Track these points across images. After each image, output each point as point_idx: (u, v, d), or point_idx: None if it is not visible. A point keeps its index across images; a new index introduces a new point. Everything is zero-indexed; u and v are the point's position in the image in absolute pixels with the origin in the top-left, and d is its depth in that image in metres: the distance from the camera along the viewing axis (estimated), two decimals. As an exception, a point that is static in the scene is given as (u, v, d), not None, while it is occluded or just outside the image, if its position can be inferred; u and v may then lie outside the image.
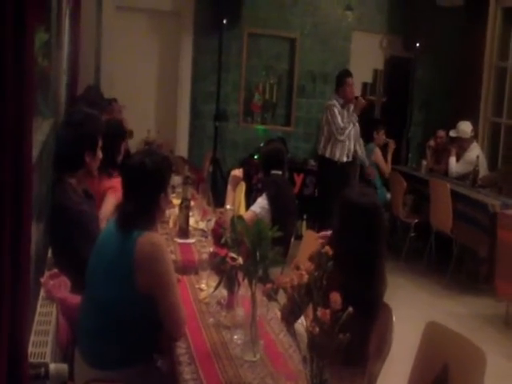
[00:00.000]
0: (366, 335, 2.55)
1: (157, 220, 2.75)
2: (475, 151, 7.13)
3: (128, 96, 7.24)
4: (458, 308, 5.84)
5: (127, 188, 2.70)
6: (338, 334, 1.85)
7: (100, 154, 3.42)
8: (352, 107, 6.74)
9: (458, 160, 7.29)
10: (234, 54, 8.16)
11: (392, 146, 7.88)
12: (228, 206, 4.24)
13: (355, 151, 7.06)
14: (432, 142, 7.82)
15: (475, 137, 7.39)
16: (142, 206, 2.63)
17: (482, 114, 8.01)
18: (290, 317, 2.59)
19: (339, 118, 6.66)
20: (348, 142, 6.78)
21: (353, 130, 6.80)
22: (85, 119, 3.39)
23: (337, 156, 6.75)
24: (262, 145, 7.29)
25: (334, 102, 6.76)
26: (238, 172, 4.63)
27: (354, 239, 2.59)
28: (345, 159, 6.79)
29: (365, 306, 2.36)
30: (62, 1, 3.75)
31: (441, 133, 7.70)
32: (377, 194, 4.87)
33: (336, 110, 6.68)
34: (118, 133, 4.28)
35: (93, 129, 3.37)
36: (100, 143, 3.40)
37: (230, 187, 4.59)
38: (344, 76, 6.85)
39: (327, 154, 6.78)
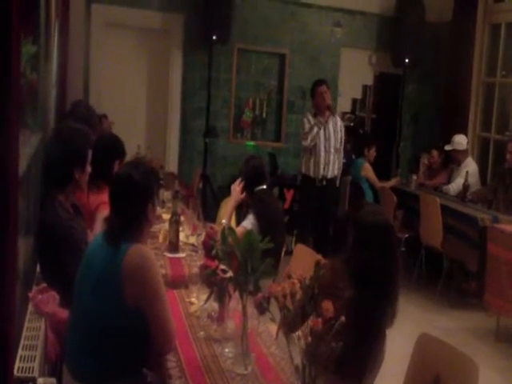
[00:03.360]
0: (364, 349, 2.53)
1: (145, 232, 2.71)
2: (471, 166, 7.14)
3: (118, 112, 7.25)
4: (448, 322, 5.83)
5: (114, 200, 2.68)
6: (331, 342, 1.84)
7: (89, 169, 3.40)
8: (327, 114, 6.47)
9: (452, 174, 7.32)
10: (224, 70, 8.18)
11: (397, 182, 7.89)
12: (223, 221, 4.25)
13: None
14: (426, 160, 7.84)
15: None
16: (130, 217, 2.60)
17: (470, 128, 8.06)
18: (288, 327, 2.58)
19: (306, 126, 6.49)
20: (324, 153, 6.47)
21: (329, 139, 6.47)
22: (73, 135, 3.36)
23: (311, 170, 6.51)
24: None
25: (307, 113, 6.70)
26: (240, 195, 4.63)
27: (369, 258, 2.60)
28: (321, 173, 6.48)
29: (371, 322, 2.38)
30: (50, 14, 3.75)
31: (434, 152, 7.71)
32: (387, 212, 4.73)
33: (305, 120, 6.55)
34: (109, 147, 4.22)
35: (81, 144, 3.34)
36: (89, 158, 3.37)
37: (230, 207, 4.61)
38: (314, 86, 6.65)
39: (303, 170, 6.64)
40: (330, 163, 6.53)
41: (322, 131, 6.46)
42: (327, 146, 6.51)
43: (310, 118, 6.53)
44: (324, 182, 6.53)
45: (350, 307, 2.11)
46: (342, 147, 6.75)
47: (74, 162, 3.27)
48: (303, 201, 6.84)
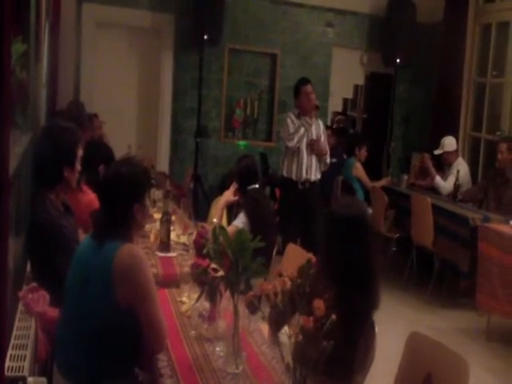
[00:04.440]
0: (352, 347, 2.53)
1: (133, 231, 2.68)
2: (461, 166, 7.16)
3: (108, 112, 7.22)
4: (439, 322, 5.84)
5: (103, 197, 2.67)
6: (322, 341, 1.83)
7: (78, 167, 3.38)
8: (312, 115, 6.25)
9: (443, 175, 7.33)
10: (215, 69, 8.18)
11: (388, 182, 7.90)
12: (214, 220, 4.26)
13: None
14: (417, 162, 7.85)
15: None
16: (116, 215, 2.59)
17: (461, 128, 8.08)
18: (275, 324, 2.56)
19: (291, 126, 6.15)
20: (306, 155, 6.17)
21: (310, 139, 6.18)
22: (61, 133, 3.35)
23: (293, 173, 6.19)
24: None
25: (290, 113, 6.36)
26: (232, 196, 4.64)
27: (342, 251, 2.55)
28: (304, 176, 6.18)
29: (355, 318, 2.36)
30: (41, 13, 3.73)
31: (426, 156, 7.72)
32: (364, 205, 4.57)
33: (288, 120, 6.21)
34: (97, 154, 4.23)
35: (70, 142, 3.32)
36: (79, 156, 3.36)
37: (221, 206, 4.62)
38: (299, 85, 6.33)
39: (285, 173, 6.29)
40: (313, 166, 6.25)
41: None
42: (310, 149, 6.23)
43: (294, 118, 6.22)
44: (307, 185, 6.23)
45: (332, 306, 2.08)
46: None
47: (62, 160, 3.25)
48: (286, 205, 6.41)
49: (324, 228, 2.73)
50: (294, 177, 6.22)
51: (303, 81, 6.39)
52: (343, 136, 8.66)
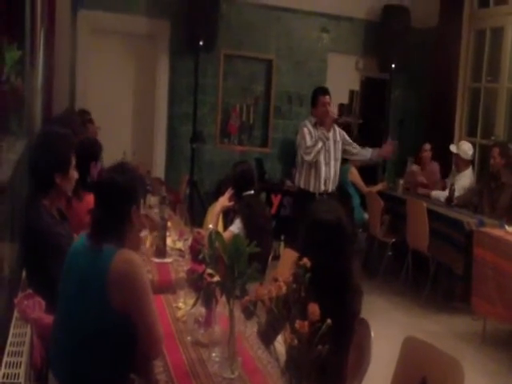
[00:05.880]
0: (342, 353, 2.54)
1: (129, 236, 2.67)
2: (468, 177, 7.15)
3: (104, 118, 7.22)
4: (435, 326, 5.85)
5: (98, 202, 2.67)
6: (317, 346, 1.84)
7: (74, 174, 3.37)
8: (331, 128, 6.04)
9: (449, 177, 7.34)
10: (211, 75, 8.19)
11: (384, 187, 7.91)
12: (210, 226, 4.26)
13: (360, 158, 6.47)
14: (415, 167, 7.86)
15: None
16: (112, 220, 2.59)
17: (456, 133, 8.10)
18: (269, 333, 2.57)
19: (308, 138, 5.95)
20: (324, 166, 6.03)
21: (329, 150, 6.02)
22: (54, 139, 3.34)
23: (311, 185, 6.04)
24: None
25: (306, 121, 6.14)
26: (227, 202, 4.65)
27: (319, 256, 2.52)
28: (322, 188, 6.02)
29: (338, 324, 2.35)
30: (36, 20, 3.74)
31: (427, 146, 7.71)
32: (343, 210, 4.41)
33: (305, 130, 6.01)
34: (89, 153, 4.22)
35: (63, 149, 3.29)
36: (73, 163, 3.35)
37: (216, 212, 4.62)
38: (316, 94, 6.15)
39: (302, 185, 6.11)
40: (331, 177, 6.10)
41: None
42: (327, 159, 6.05)
43: (311, 128, 6.02)
44: (325, 196, 6.03)
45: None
46: (352, 144, 6.36)
47: (54, 166, 3.24)
48: (303, 215, 6.13)
49: (302, 230, 2.74)
50: (311, 189, 6.06)
51: (321, 90, 6.22)
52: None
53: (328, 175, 6.07)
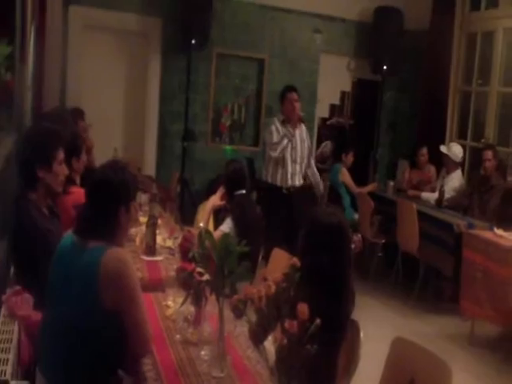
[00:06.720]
0: (333, 354, 2.54)
1: (116, 234, 2.66)
2: (457, 179, 7.18)
3: (95, 115, 7.19)
4: (424, 327, 5.87)
5: (89, 199, 2.66)
6: (306, 345, 1.84)
7: (63, 170, 3.35)
8: (297, 125, 6.23)
9: (439, 179, 7.35)
10: (203, 74, 8.18)
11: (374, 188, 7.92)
12: (201, 224, 4.26)
13: (306, 176, 6.52)
14: (407, 174, 7.86)
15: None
16: (101, 216, 2.58)
17: (447, 136, 8.12)
18: (258, 332, 2.56)
19: (274, 134, 6.15)
20: (291, 163, 6.21)
21: (295, 148, 6.22)
22: (39, 133, 3.33)
23: (278, 179, 6.22)
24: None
25: (274, 119, 6.36)
26: (218, 201, 4.65)
27: (320, 258, 2.59)
28: (289, 183, 6.22)
29: (332, 324, 2.35)
30: (26, 15, 3.71)
31: (424, 150, 7.71)
32: (344, 214, 4.61)
33: (273, 127, 6.20)
34: (70, 148, 4.18)
35: (46, 143, 3.28)
36: (60, 158, 3.33)
37: (207, 211, 4.62)
38: (284, 91, 6.33)
39: (269, 179, 6.30)
40: (297, 173, 6.29)
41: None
42: (294, 156, 6.25)
43: (278, 125, 6.21)
44: (292, 190, 6.27)
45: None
46: (312, 155, 6.64)
47: (36, 160, 3.23)
48: (270, 209, 6.13)
49: (303, 232, 2.75)
50: (278, 183, 6.24)
51: (289, 88, 6.38)
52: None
53: (294, 171, 6.26)
